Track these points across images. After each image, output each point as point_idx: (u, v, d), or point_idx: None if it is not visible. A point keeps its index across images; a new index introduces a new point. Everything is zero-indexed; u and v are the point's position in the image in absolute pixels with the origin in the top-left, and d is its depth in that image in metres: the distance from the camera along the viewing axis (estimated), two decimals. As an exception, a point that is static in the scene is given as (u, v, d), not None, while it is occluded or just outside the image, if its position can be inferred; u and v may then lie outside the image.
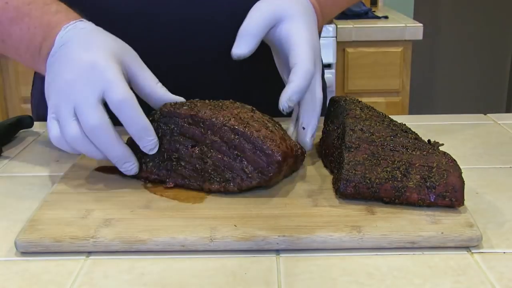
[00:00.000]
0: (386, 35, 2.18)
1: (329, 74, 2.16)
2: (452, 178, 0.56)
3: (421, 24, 2.20)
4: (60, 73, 0.61)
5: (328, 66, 2.17)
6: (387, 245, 0.52)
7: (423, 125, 0.85)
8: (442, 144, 0.62)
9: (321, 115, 0.70)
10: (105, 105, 0.60)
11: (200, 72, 0.83)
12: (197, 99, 0.65)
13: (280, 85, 0.74)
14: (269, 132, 0.60)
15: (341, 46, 2.20)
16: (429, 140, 0.63)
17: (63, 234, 0.53)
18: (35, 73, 0.96)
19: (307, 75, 0.64)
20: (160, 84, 0.65)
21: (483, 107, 2.75)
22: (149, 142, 0.61)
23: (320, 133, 0.72)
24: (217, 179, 0.60)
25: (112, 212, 0.57)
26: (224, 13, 0.79)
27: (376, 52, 2.20)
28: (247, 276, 0.48)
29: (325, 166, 0.68)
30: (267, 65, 0.77)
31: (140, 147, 0.61)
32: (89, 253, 0.52)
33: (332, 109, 0.70)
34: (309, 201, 0.58)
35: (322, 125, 0.72)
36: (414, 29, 2.18)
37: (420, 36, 2.19)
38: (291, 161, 0.61)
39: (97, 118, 0.58)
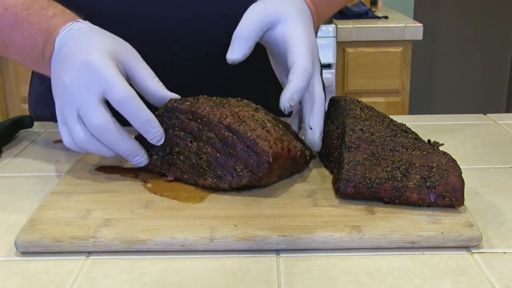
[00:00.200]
0: (386, 35, 2.18)
1: (329, 74, 2.16)
2: (452, 178, 0.56)
3: (421, 24, 2.20)
4: (59, 77, 0.62)
5: (328, 66, 2.17)
6: (387, 245, 0.52)
7: (423, 125, 0.85)
8: (442, 144, 0.62)
9: None
10: (107, 103, 0.61)
11: (200, 71, 0.83)
12: (204, 96, 0.65)
13: (278, 83, 0.74)
14: (264, 132, 0.60)
15: (341, 46, 2.20)
16: (429, 140, 0.63)
17: (63, 234, 0.53)
18: (33, 73, 0.96)
19: (305, 74, 0.64)
20: (156, 79, 0.65)
21: (483, 107, 2.75)
22: (155, 134, 0.62)
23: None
24: (210, 175, 0.61)
25: (112, 212, 0.57)
26: (221, 13, 0.79)
27: (376, 52, 2.20)
28: (247, 276, 0.48)
29: (325, 166, 0.68)
30: (266, 64, 0.77)
31: (148, 140, 0.63)
32: (89, 253, 0.52)
33: (332, 109, 0.70)
34: (309, 201, 0.58)
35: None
36: (414, 29, 2.18)
37: (420, 36, 2.19)
38: (284, 162, 0.61)
39: (101, 117, 0.59)
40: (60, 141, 0.78)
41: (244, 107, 0.64)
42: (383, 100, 2.25)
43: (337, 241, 0.52)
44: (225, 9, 0.79)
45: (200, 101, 0.63)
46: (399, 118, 0.68)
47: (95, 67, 0.60)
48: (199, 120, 0.62)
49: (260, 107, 0.66)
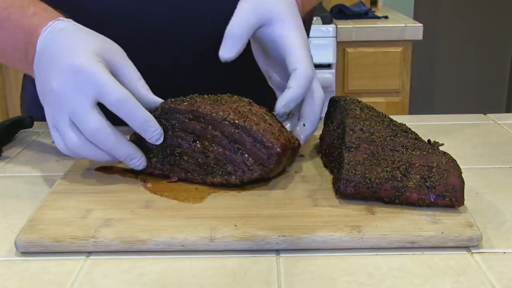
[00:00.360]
0: (386, 35, 2.18)
1: (329, 74, 2.16)
2: (452, 178, 0.56)
3: (421, 24, 2.20)
4: (47, 81, 0.60)
5: (328, 66, 2.17)
6: (387, 245, 0.52)
7: (423, 125, 0.85)
8: (442, 144, 0.62)
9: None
10: (99, 105, 0.60)
11: (195, 70, 0.83)
12: (196, 95, 0.65)
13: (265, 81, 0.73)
14: (267, 125, 0.61)
15: (341, 46, 2.20)
16: (429, 140, 0.63)
17: (63, 234, 0.53)
18: (24, 76, 0.95)
19: (306, 81, 0.64)
20: (142, 82, 0.64)
21: (483, 107, 2.75)
22: (153, 133, 0.61)
23: (320, 133, 0.72)
24: (219, 173, 0.61)
25: (112, 212, 0.57)
26: (217, 13, 0.79)
27: (376, 52, 2.20)
28: (247, 276, 0.48)
29: (325, 166, 0.68)
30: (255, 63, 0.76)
31: (146, 139, 0.62)
32: (89, 253, 0.52)
33: (332, 109, 0.70)
34: (309, 201, 0.58)
35: (322, 125, 0.72)
36: (414, 29, 2.18)
37: (420, 36, 2.19)
38: (289, 152, 0.63)
39: (96, 121, 0.58)
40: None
41: (240, 102, 0.64)
42: (383, 100, 2.25)
43: (337, 241, 0.52)
44: (221, 9, 0.79)
45: (198, 100, 0.63)
46: (399, 118, 0.68)
47: (85, 71, 0.58)
48: (202, 119, 0.62)
49: (251, 101, 0.66)
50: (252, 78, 0.86)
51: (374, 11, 2.48)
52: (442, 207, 0.56)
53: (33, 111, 0.91)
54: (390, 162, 0.58)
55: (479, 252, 0.52)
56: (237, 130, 0.60)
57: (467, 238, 0.52)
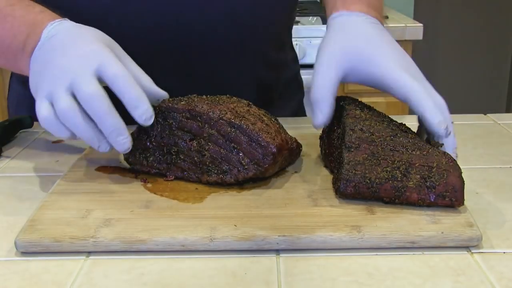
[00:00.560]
0: (386, 35, 2.18)
1: (329, 74, 2.16)
2: (452, 178, 0.56)
3: (421, 24, 2.19)
4: (53, 59, 0.61)
5: (328, 66, 2.16)
6: (387, 245, 0.52)
7: (423, 125, 0.84)
8: (442, 144, 0.62)
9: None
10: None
11: (200, 70, 0.83)
12: (194, 95, 0.66)
13: (268, 81, 0.72)
14: (264, 125, 0.62)
15: (341, 46, 2.19)
16: (428, 140, 0.63)
17: (63, 234, 0.53)
18: (11, 77, 0.95)
19: (438, 111, 0.61)
20: (145, 75, 0.64)
21: (483, 107, 2.74)
22: (144, 111, 0.60)
23: (320, 133, 0.72)
24: (215, 171, 0.62)
25: (112, 212, 0.57)
26: (224, 13, 0.79)
27: (376, 52, 2.19)
28: (247, 276, 0.48)
29: (325, 166, 0.68)
30: (260, 65, 0.77)
31: (136, 118, 0.60)
32: (89, 253, 0.52)
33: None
34: (309, 201, 0.58)
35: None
36: (414, 29, 2.18)
37: (420, 36, 2.19)
38: (285, 153, 0.63)
39: (94, 86, 0.58)
40: (60, 141, 0.79)
41: (238, 103, 0.65)
42: (383, 100, 2.24)
43: (337, 241, 0.52)
44: (228, 9, 0.79)
45: (195, 100, 0.64)
46: (399, 118, 0.67)
47: (96, 48, 0.60)
48: (199, 118, 0.62)
49: (250, 103, 0.67)
50: (255, 82, 0.87)
51: (374, 11, 2.47)
52: (442, 207, 0.56)
53: (19, 112, 0.91)
54: (390, 162, 0.58)
55: (479, 252, 0.52)
56: (233, 129, 0.61)
57: (467, 238, 0.52)
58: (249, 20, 0.81)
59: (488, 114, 0.91)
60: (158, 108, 0.64)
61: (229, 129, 0.61)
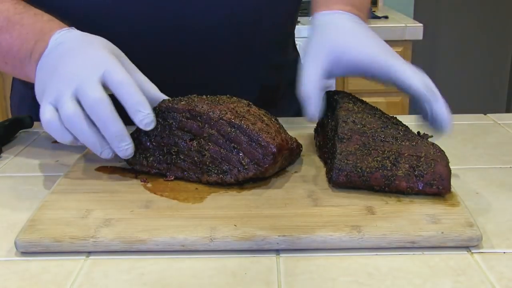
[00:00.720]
0: (386, 35, 2.18)
1: (329, 74, 2.16)
2: (440, 167, 0.58)
3: (421, 24, 2.19)
4: (59, 66, 0.62)
5: (328, 66, 2.16)
6: (387, 245, 0.52)
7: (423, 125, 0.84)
8: (431, 136, 0.64)
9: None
10: None
11: (200, 71, 0.83)
12: (194, 95, 0.66)
13: (271, 82, 0.73)
14: (264, 125, 0.62)
15: (341, 46, 2.19)
16: (418, 132, 0.64)
17: (63, 234, 0.53)
18: (14, 77, 0.95)
19: (419, 80, 0.64)
20: (150, 83, 0.65)
21: (483, 107, 2.74)
22: (145, 116, 0.60)
23: (315, 126, 0.73)
24: (215, 171, 0.62)
25: (112, 212, 0.57)
26: (225, 13, 0.79)
27: (376, 52, 2.19)
28: (247, 276, 0.48)
29: (319, 157, 0.70)
30: (263, 66, 0.77)
31: (136, 123, 0.60)
32: (89, 253, 0.52)
33: (327, 103, 0.72)
34: (309, 201, 0.58)
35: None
36: (414, 29, 2.18)
37: (420, 36, 2.19)
38: (286, 153, 0.63)
39: (99, 92, 0.59)
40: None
41: (238, 103, 0.65)
42: (383, 100, 2.24)
43: (337, 241, 0.52)
44: (229, 11, 0.79)
45: (195, 100, 0.64)
46: (399, 118, 0.68)
47: (100, 56, 0.61)
48: (199, 118, 0.62)
49: (250, 103, 0.67)
50: (256, 83, 0.87)
51: (374, 11, 2.48)
52: (431, 195, 0.57)
53: (22, 111, 0.92)
54: (381, 152, 0.59)
55: (479, 252, 0.52)
56: (233, 129, 0.61)
57: (467, 238, 0.52)
58: (251, 23, 0.81)
59: (488, 114, 0.91)
60: (158, 108, 0.64)
61: (229, 129, 0.61)
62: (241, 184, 0.62)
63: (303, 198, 0.59)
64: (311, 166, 0.68)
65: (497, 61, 3.18)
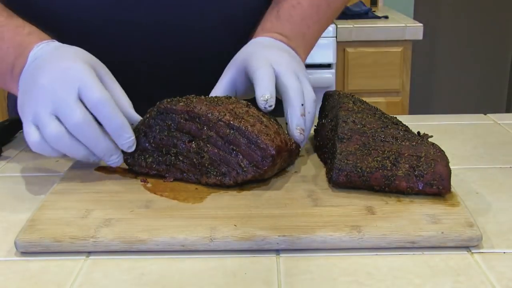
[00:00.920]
0: (386, 35, 2.18)
1: (329, 74, 2.16)
2: (440, 167, 0.58)
3: (421, 24, 2.19)
4: (34, 81, 0.61)
5: (328, 66, 2.17)
6: (387, 245, 0.52)
7: (423, 125, 0.84)
8: (431, 136, 0.64)
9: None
10: None
11: (195, 72, 0.83)
12: (192, 95, 0.65)
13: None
14: (263, 127, 0.61)
15: (341, 46, 2.20)
16: (418, 132, 0.64)
17: (63, 234, 0.53)
18: None
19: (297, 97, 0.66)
20: (125, 97, 0.65)
21: (483, 107, 2.75)
22: (126, 140, 0.62)
23: (315, 126, 0.73)
24: (214, 173, 0.62)
25: (112, 212, 0.57)
26: (216, 19, 0.80)
27: (376, 52, 2.20)
28: (247, 276, 0.48)
29: (319, 157, 0.70)
30: None
31: (119, 145, 0.62)
32: (89, 253, 0.52)
33: (326, 103, 0.73)
34: (309, 201, 0.58)
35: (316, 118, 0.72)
36: (414, 29, 2.18)
37: (420, 36, 2.19)
38: (285, 154, 0.63)
39: (81, 114, 0.59)
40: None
41: (237, 104, 0.64)
42: (383, 100, 2.25)
43: (337, 241, 0.52)
44: (223, 15, 0.79)
45: (194, 101, 0.63)
46: (399, 118, 0.68)
47: (73, 68, 0.61)
48: (197, 120, 0.62)
49: (249, 104, 0.66)
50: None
51: (374, 11, 2.48)
52: (430, 195, 0.57)
53: (18, 113, 0.91)
54: (381, 152, 0.60)
55: (479, 252, 0.52)
56: (232, 131, 0.60)
57: (467, 238, 0.52)
58: (249, 24, 0.81)
59: (488, 114, 0.91)
60: (156, 108, 0.64)
61: (228, 131, 0.61)
62: (240, 185, 0.62)
63: (303, 198, 0.59)
64: (311, 166, 0.68)
65: (497, 61, 3.18)
